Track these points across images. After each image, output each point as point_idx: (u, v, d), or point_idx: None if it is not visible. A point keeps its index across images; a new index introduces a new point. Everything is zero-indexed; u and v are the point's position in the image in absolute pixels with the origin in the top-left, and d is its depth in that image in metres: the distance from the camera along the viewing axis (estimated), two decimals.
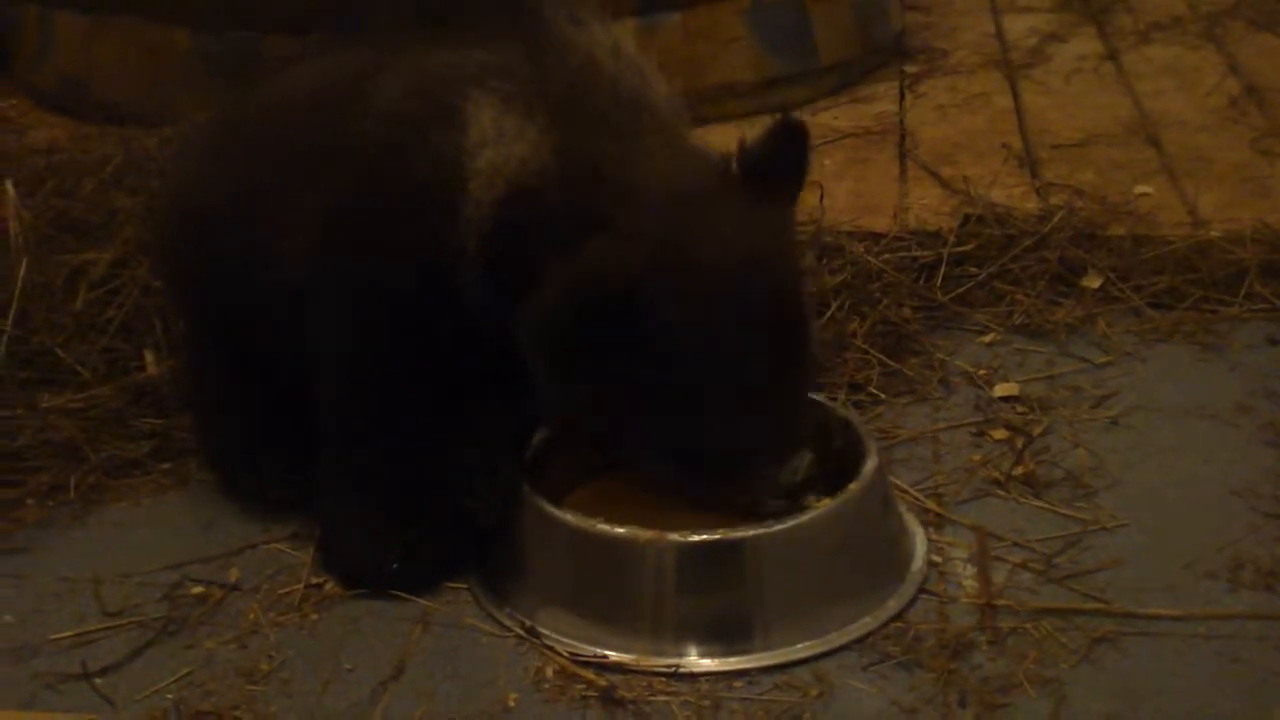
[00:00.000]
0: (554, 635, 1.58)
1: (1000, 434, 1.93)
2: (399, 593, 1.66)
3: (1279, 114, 2.85)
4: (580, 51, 1.62)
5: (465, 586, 1.68)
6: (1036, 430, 1.92)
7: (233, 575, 1.72)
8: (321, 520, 1.74)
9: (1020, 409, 1.98)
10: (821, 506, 1.58)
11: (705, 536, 1.55)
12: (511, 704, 1.51)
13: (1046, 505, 1.78)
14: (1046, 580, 1.65)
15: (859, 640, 1.57)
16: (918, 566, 1.67)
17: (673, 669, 1.54)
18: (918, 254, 2.28)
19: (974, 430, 1.94)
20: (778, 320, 1.54)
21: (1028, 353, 2.12)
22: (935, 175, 2.61)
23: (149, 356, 2.07)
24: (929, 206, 2.47)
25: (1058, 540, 1.72)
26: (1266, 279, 2.21)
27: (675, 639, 1.55)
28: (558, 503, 1.63)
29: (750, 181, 1.56)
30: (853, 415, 1.77)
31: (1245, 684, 1.49)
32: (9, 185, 2.30)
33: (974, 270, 2.26)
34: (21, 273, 2.12)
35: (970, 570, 1.68)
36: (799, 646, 1.56)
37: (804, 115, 2.52)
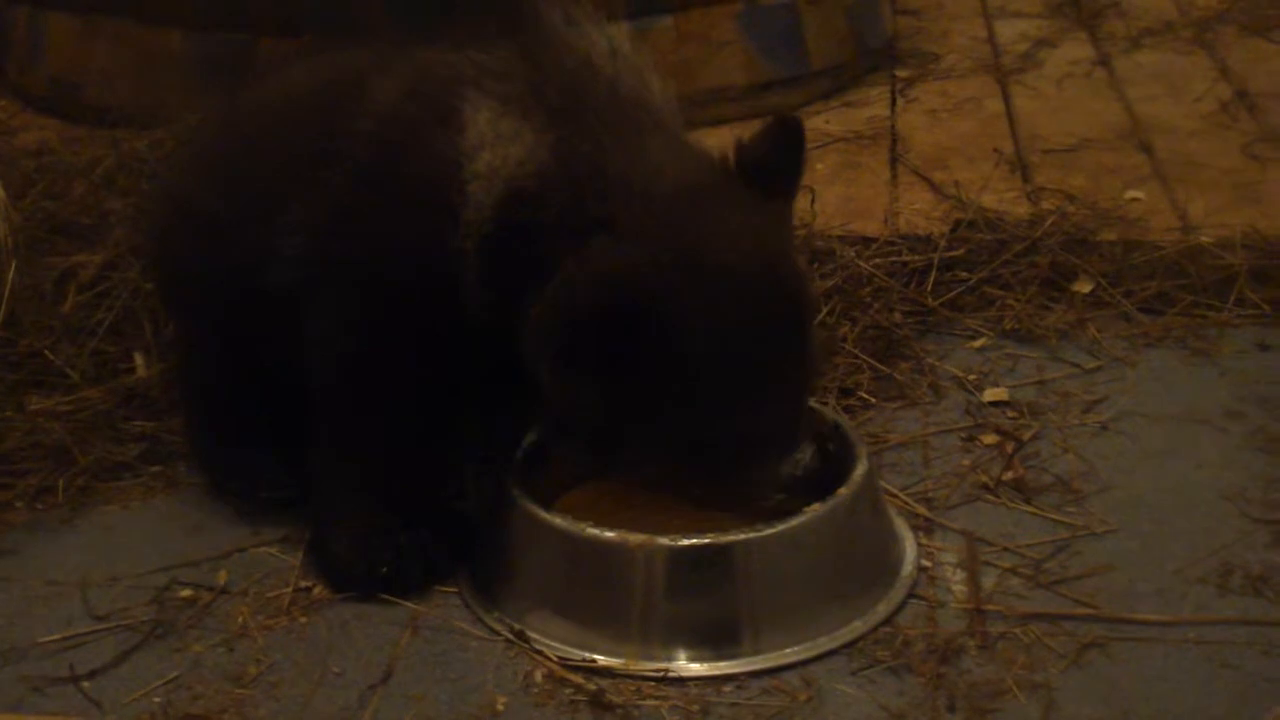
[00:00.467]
0: (543, 639, 1.58)
1: (990, 439, 1.93)
2: (388, 596, 1.66)
3: (1270, 119, 2.85)
4: (576, 53, 1.62)
5: (454, 590, 1.68)
6: (1026, 435, 1.92)
7: (221, 578, 1.71)
8: (311, 523, 1.74)
9: (1010, 414, 1.98)
10: (811, 511, 1.58)
11: (695, 541, 1.55)
12: (500, 708, 1.50)
13: (1036, 510, 1.78)
14: (1036, 585, 1.65)
15: (848, 645, 1.57)
16: (907, 571, 1.67)
17: (662, 673, 1.54)
18: (908, 259, 2.28)
19: (964, 435, 1.94)
20: (785, 317, 1.55)
21: (1018, 358, 2.12)
22: (926, 180, 2.61)
23: (138, 359, 2.07)
24: (920, 211, 2.48)
25: (1047, 545, 1.72)
26: (1256, 284, 2.21)
27: (664, 643, 1.55)
28: (547, 506, 1.62)
29: (748, 181, 1.57)
30: (843, 420, 1.77)
31: (1234, 689, 1.49)
32: None
33: (965, 275, 2.26)
34: (11, 275, 2.12)
35: (960, 575, 1.68)
36: (788, 651, 1.56)
37: None
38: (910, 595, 1.64)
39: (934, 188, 2.57)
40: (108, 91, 2.93)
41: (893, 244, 2.32)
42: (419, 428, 1.67)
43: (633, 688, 1.52)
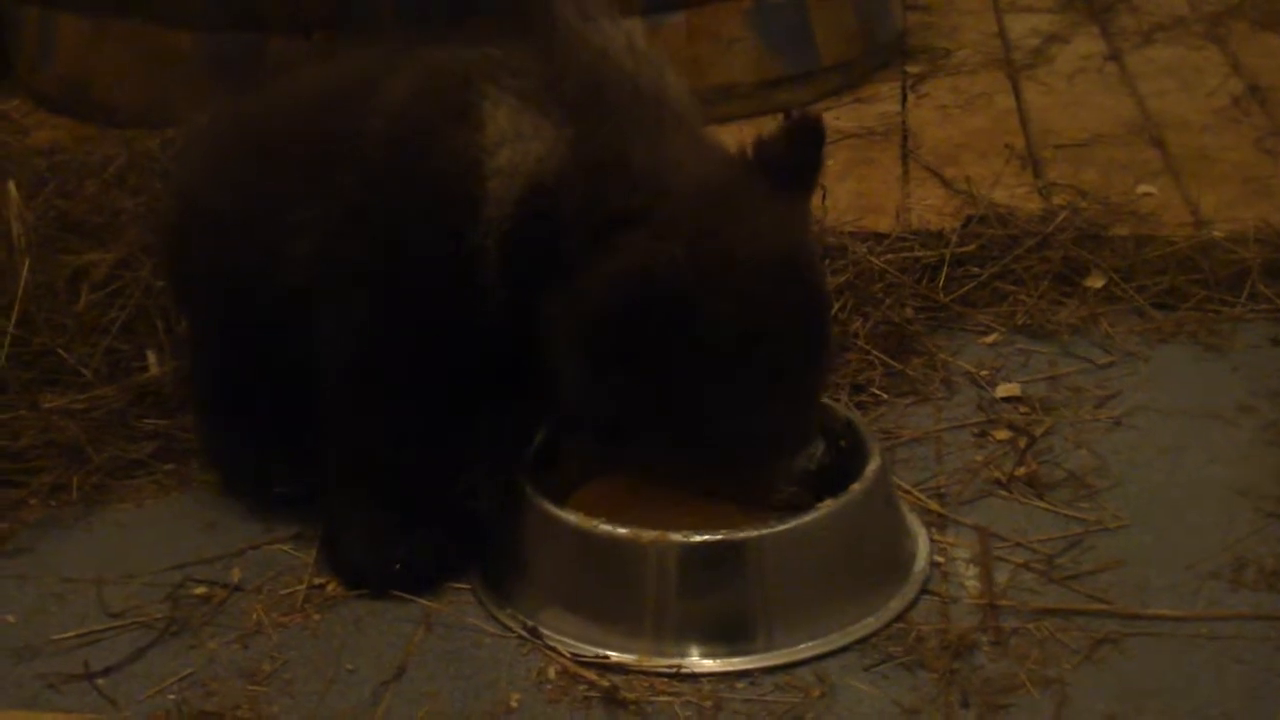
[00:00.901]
0: (556, 636, 1.58)
1: (1003, 434, 1.93)
2: (401, 593, 1.66)
3: None
4: (592, 48, 1.62)
5: (468, 587, 1.68)
6: (1039, 431, 1.92)
7: (235, 576, 1.72)
8: (324, 521, 1.74)
9: (1023, 409, 1.98)
10: (824, 507, 1.58)
11: (707, 537, 1.55)
12: (514, 704, 1.51)
13: (1049, 506, 1.78)
14: (1049, 580, 1.65)
15: (861, 641, 1.57)
16: (920, 567, 1.67)
17: (675, 669, 1.54)
18: (920, 254, 2.28)
19: (976, 431, 1.94)
20: (806, 313, 1.56)
21: (1030, 353, 2.12)
22: (938, 176, 2.61)
23: (151, 357, 2.07)
24: (931, 207, 2.47)
25: (1060, 541, 1.72)
26: (1269, 279, 2.21)
27: (677, 639, 1.55)
28: (560, 503, 1.63)
29: (767, 177, 1.57)
30: (855, 416, 1.77)
31: (1248, 684, 1.49)
32: (11, 186, 2.30)
33: (976, 271, 2.26)
34: (24, 274, 2.12)
35: (973, 571, 1.68)
36: (801, 647, 1.56)
37: None
38: (923, 591, 1.64)
39: (945, 183, 2.57)
40: (118, 91, 2.94)
41: (904, 240, 2.32)
42: (431, 425, 1.67)
43: (646, 684, 1.53)
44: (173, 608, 1.66)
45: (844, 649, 1.56)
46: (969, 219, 2.36)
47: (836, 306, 2.13)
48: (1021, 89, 3.06)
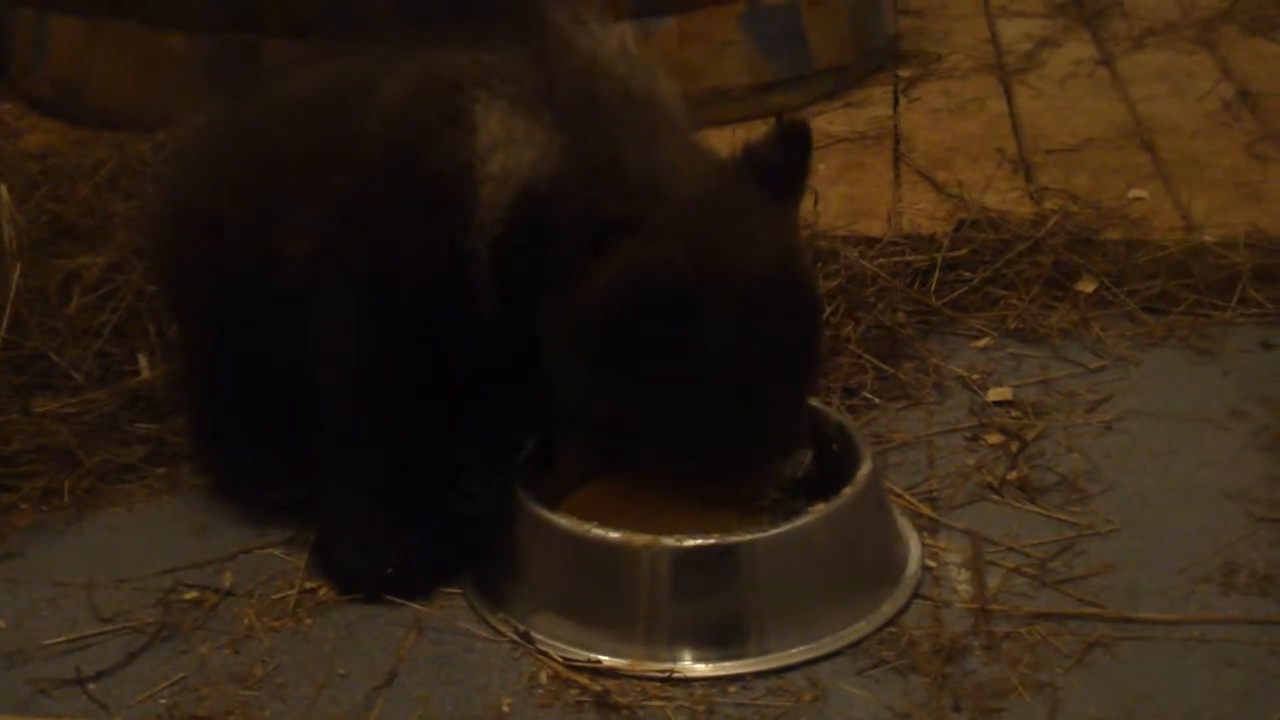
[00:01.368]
0: (548, 640, 1.58)
1: (994, 438, 1.93)
2: (393, 598, 1.66)
3: (1272, 118, 2.85)
4: (584, 53, 1.63)
5: (459, 591, 1.68)
6: (1031, 435, 1.92)
7: (227, 580, 1.72)
8: (317, 525, 1.74)
9: (1014, 413, 1.98)
10: (816, 511, 1.59)
11: (700, 541, 1.55)
12: (505, 709, 1.51)
13: (1041, 510, 1.78)
14: (1041, 585, 1.65)
15: (853, 645, 1.57)
16: (912, 571, 1.67)
17: (667, 674, 1.54)
18: (912, 259, 2.28)
19: (968, 435, 1.94)
20: (799, 317, 1.57)
21: (1022, 357, 2.12)
22: (929, 180, 2.61)
23: (143, 361, 2.07)
24: (923, 211, 2.48)
25: (1052, 545, 1.72)
26: (1260, 283, 2.21)
27: (670, 644, 1.55)
28: (552, 507, 1.62)
29: (757, 183, 1.57)
30: (847, 420, 1.77)
31: (1240, 688, 1.49)
32: (3, 189, 2.30)
33: (968, 275, 2.26)
34: (15, 277, 2.12)
35: (964, 575, 1.68)
36: (793, 651, 1.56)
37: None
38: (915, 595, 1.64)
39: (937, 188, 2.57)
40: (111, 94, 2.93)
41: (896, 244, 2.32)
42: (425, 430, 1.67)
43: (638, 688, 1.53)
44: (164, 612, 1.66)
45: (836, 653, 1.56)
46: (960, 223, 2.36)
47: (828, 311, 2.13)
48: (1013, 93, 3.07)
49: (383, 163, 1.61)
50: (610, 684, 1.53)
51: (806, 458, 1.60)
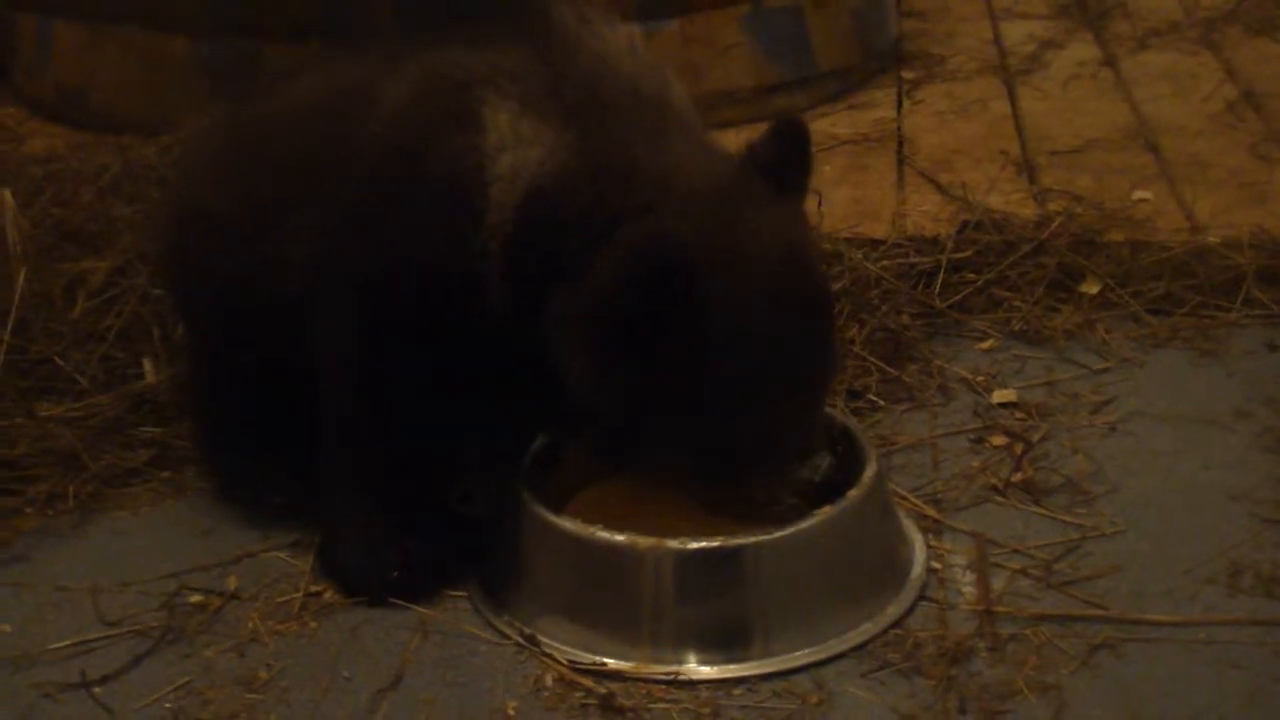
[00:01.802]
0: (553, 643, 1.58)
1: (999, 440, 1.93)
2: (398, 601, 1.66)
3: (1276, 119, 2.85)
4: (591, 52, 1.62)
5: (464, 594, 1.68)
6: (1035, 437, 1.92)
7: (231, 583, 1.72)
8: (321, 528, 1.74)
9: (1019, 415, 1.98)
10: (821, 513, 1.58)
11: (704, 543, 1.55)
12: (511, 712, 1.51)
13: (1045, 511, 1.78)
14: (1046, 586, 1.65)
15: (858, 647, 1.57)
16: (917, 573, 1.67)
17: (672, 676, 1.54)
18: (916, 260, 2.28)
19: (973, 437, 1.94)
20: (810, 316, 1.56)
21: (1026, 359, 2.12)
22: (933, 182, 2.61)
23: (147, 365, 2.07)
24: (927, 213, 2.47)
25: (1057, 546, 1.72)
26: (1264, 284, 2.21)
27: (674, 646, 1.55)
28: (557, 509, 1.62)
29: (765, 180, 1.57)
30: (852, 422, 1.77)
31: (1245, 690, 1.49)
32: (7, 194, 2.30)
33: (972, 277, 2.26)
34: (20, 282, 2.12)
35: (969, 577, 1.68)
36: (798, 654, 1.56)
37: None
38: (920, 597, 1.64)
39: (941, 189, 2.57)
40: (115, 98, 2.94)
41: (900, 246, 2.32)
42: (428, 432, 1.67)
43: (643, 691, 1.52)
44: (169, 616, 1.66)
45: (841, 656, 1.56)
46: (964, 225, 2.36)
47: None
48: (1017, 95, 3.07)
49: (389, 165, 1.60)
50: (615, 686, 1.52)
51: (824, 461, 1.60)
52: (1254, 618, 1.58)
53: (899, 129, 2.90)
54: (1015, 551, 1.71)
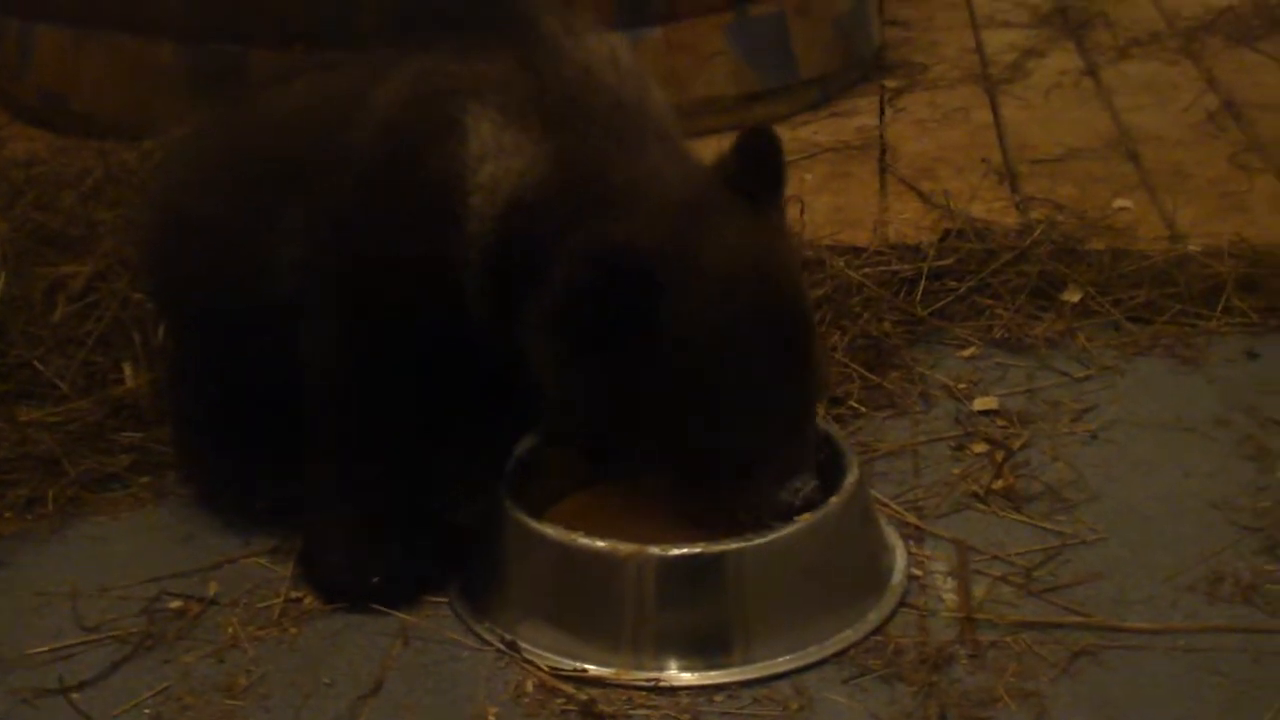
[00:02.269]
0: (534, 649, 1.58)
1: (980, 448, 1.93)
2: (379, 607, 1.66)
3: (1256, 129, 2.86)
4: (576, 63, 1.63)
5: (445, 601, 1.68)
6: (1016, 444, 1.93)
7: (211, 589, 1.71)
8: (302, 534, 1.74)
9: (1000, 423, 1.99)
10: (802, 520, 1.58)
11: (686, 550, 1.55)
12: (491, 718, 1.50)
13: (1026, 519, 1.79)
14: (1026, 594, 1.66)
15: (839, 654, 1.57)
16: (898, 580, 1.67)
17: (653, 683, 1.54)
18: (898, 268, 2.28)
19: (954, 444, 1.95)
20: (785, 330, 1.55)
21: (1007, 367, 2.13)
22: (915, 189, 2.61)
23: (128, 370, 2.06)
24: (909, 221, 2.48)
25: (1037, 554, 1.72)
26: (1244, 293, 2.22)
27: (655, 653, 1.55)
28: (539, 516, 1.62)
29: (739, 190, 1.57)
30: (833, 429, 1.77)
31: (1224, 696, 1.49)
32: None
33: (954, 284, 2.26)
34: (0, 286, 2.11)
35: (950, 584, 1.68)
36: (779, 660, 1.56)
37: (784, 130, 2.55)
38: (901, 604, 1.64)
39: (923, 197, 2.57)
40: (97, 102, 2.93)
41: (882, 253, 2.32)
42: (413, 438, 1.66)
43: (624, 697, 1.52)
44: (148, 621, 1.66)
45: (822, 662, 1.56)
46: (946, 233, 2.37)
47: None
48: (998, 104, 3.08)
49: (374, 172, 1.61)
50: (596, 693, 1.52)
51: (807, 485, 1.57)
52: (1233, 625, 1.59)
53: (881, 137, 2.90)
54: (996, 558, 1.72)
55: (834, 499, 1.61)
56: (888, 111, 3.05)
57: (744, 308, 1.51)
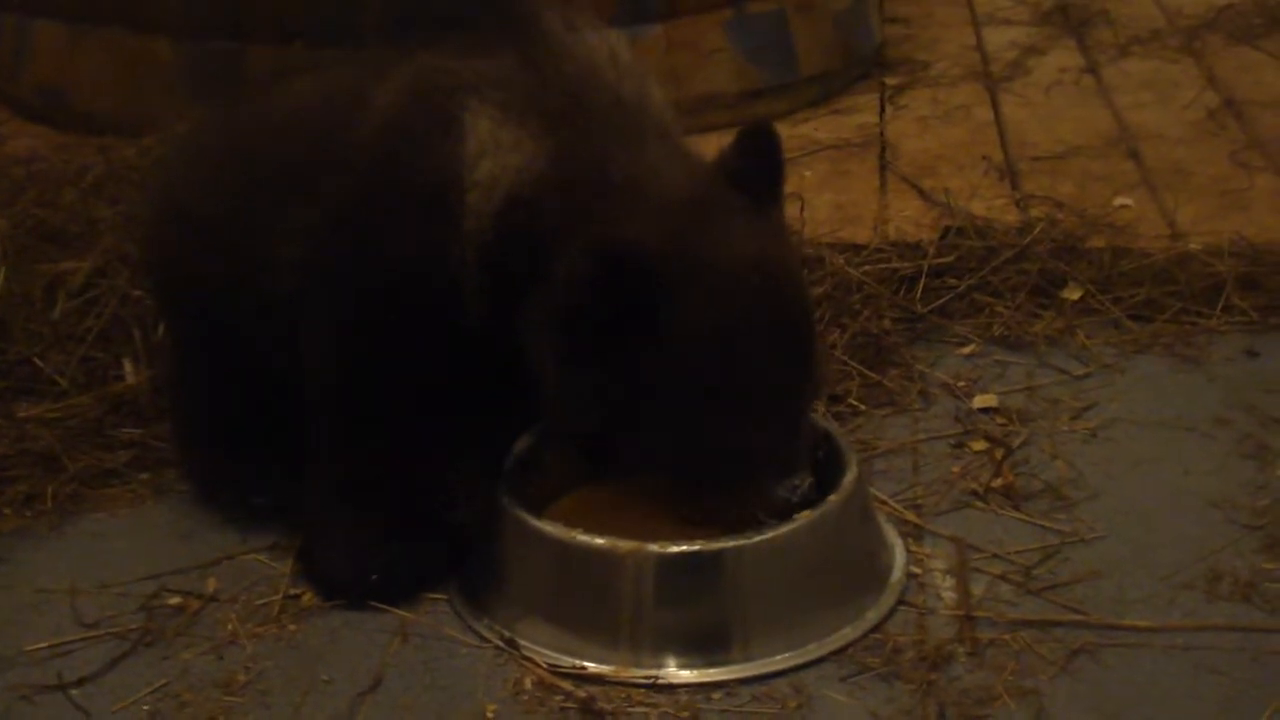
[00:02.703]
0: (533, 646, 1.58)
1: (979, 445, 1.93)
2: (378, 604, 1.66)
3: (1257, 127, 2.86)
4: (577, 59, 1.62)
5: (444, 598, 1.68)
6: (1016, 442, 1.93)
7: (210, 586, 1.71)
8: (301, 531, 1.74)
9: (999, 420, 1.99)
10: (801, 518, 1.58)
11: (684, 547, 1.55)
12: (490, 715, 1.50)
13: (1025, 517, 1.79)
14: (1025, 592, 1.66)
15: (838, 652, 1.57)
16: (897, 578, 1.67)
17: (651, 680, 1.54)
18: (898, 266, 2.28)
19: (953, 442, 1.95)
20: (785, 328, 1.55)
21: (1007, 364, 2.13)
22: (916, 187, 2.61)
23: (127, 366, 2.06)
24: (909, 218, 2.48)
25: (1036, 552, 1.72)
26: (1244, 291, 2.22)
27: (654, 650, 1.55)
28: (538, 513, 1.62)
29: (740, 189, 1.57)
30: (832, 427, 1.77)
31: (1223, 695, 1.49)
32: None
33: (954, 282, 2.26)
34: (0, 282, 2.11)
35: (949, 582, 1.68)
36: (778, 658, 1.56)
37: (784, 127, 2.54)
38: (900, 602, 1.64)
39: (923, 195, 2.57)
40: (96, 99, 2.93)
41: (882, 251, 2.32)
42: (412, 435, 1.66)
43: (622, 695, 1.52)
44: (147, 618, 1.66)
45: (821, 660, 1.56)
46: (946, 230, 2.37)
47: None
48: (999, 101, 3.08)
49: (374, 169, 1.61)
50: (595, 690, 1.52)
51: (804, 482, 1.57)
52: (1232, 624, 1.59)
53: (882, 134, 2.90)
54: (995, 556, 1.72)
55: (833, 497, 1.61)
56: (888, 109, 3.05)
57: (744, 305, 1.51)
